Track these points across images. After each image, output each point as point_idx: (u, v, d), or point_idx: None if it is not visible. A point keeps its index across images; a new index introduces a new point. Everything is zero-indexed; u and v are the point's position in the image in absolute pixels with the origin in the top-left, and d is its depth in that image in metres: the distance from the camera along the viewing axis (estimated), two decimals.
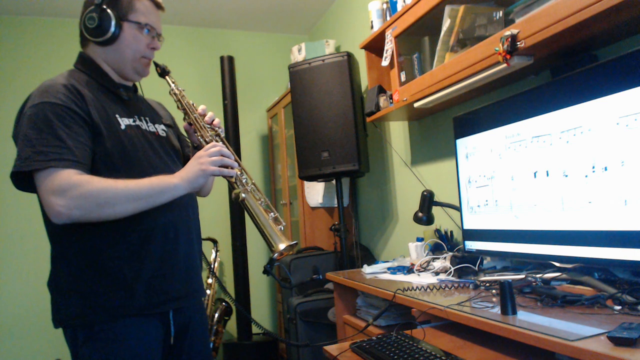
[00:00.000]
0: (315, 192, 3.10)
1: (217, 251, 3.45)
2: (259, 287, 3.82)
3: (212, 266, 3.39)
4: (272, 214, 1.31)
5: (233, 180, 1.31)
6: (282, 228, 1.29)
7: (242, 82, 3.60)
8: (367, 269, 1.98)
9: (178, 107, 1.45)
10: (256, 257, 3.82)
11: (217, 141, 1.37)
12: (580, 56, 1.40)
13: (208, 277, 3.35)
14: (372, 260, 2.83)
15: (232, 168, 1.30)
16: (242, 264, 3.26)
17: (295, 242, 1.28)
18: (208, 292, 3.29)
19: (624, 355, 0.77)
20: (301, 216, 3.21)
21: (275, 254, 1.23)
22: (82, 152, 1.18)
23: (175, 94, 1.44)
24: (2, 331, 3.16)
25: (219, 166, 1.27)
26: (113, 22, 1.28)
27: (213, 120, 1.43)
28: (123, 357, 1.21)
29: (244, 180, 1.33)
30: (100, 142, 1.22)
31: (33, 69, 3.38)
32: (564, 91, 1.29)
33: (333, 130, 2.49)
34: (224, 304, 3.37)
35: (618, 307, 1.04)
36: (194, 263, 1.39)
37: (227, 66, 3.31)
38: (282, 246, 1.22)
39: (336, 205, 2.73)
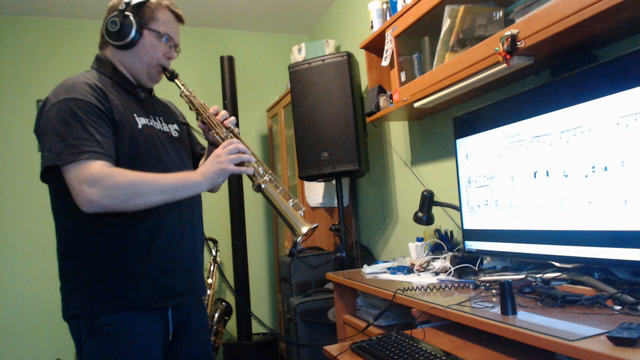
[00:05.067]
0: (315, 192, 3.10)
1: (217, 251, 3.45)
2: (259, 287, 3.82)
3: (213, 266, 3.39)
4: (291, 200, 1.36)
5: (252, 174, 1.35)
6: (302, 213, 1.35)
7: (242, 82, 3.61)
8: (367, 269, 1.98)
9: (190, 108, 1.48)
10: (256, 257, 3.82)
11: (231, 137, 1.42)
12: (580, 56, 1.40)
13: (208, 277, 3.35)
14: (372, 260, 2.83)
15: (249, 162, 1.35)
16: (242, 264, 3.26)
17: (315, 224, 1.34)
18: (208, 292, 3.29)
19: (624, 355, 0.77)
20: None
21: (299, 238, 1.29)
22: (109, 145, 1.23)
23: (186, 95, 1.48)
24: (2, 331, 3.16)
25: (238, 163, 1.33)
26: (134, 28, 1.34)
27: (226, 119, 1.47)
28: (126, 351, 1.24)
29: (261, 171, 1.37)
30: (118, 140, 1.27)
31: (33, 69, 3.38)
32: (564, 91, 1.29)
33: (333, 130, 2.49)
34: (224, 304, 3.37)
35: (618, 307, 1.04)
36: (197, 261, 1.44)
37: (227, 66, 3.31)
38: (304, 229, 1.29)
39: (336, 205, 2.73)
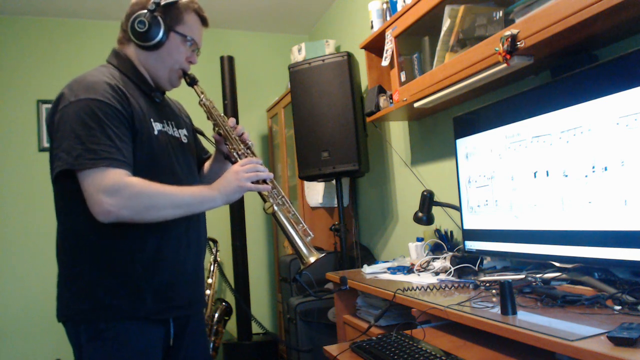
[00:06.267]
0: (315, 192, 3.10)
1: (217, 251, 3.45)
2: (259, 287, 3.82)
3: (213, 266, 3.39)
4: (301, 225, 1.35)
5: (266, 194, 1.34)
6: (310, 239, 1.35)
7: (242, 82, 3.60)
8: (367, 269, 1.98)
9: (208, 118, 1.46)
10: (256, 257, 3.82)
11: (249, 155, 1.40)
12: (580, 56, 1.40)
13: (208, 277, 3.35)
14: (372, 260, 2.83)
15: (266, 182, 1.34)
16: (242, 264, 3.27)
17: (323, 254, 1.34)
18: (208, 292, 3.29)
19: (624, 355, 0.77)
20: (301, 216, 3.18)
21: (306, 266, 1.29)
22: (128, 153, 1.20)
23: (205, 105, 1.45)
24: (2, 331, 3.16)
25: (255, 181, 1.31)
26: (162, 30, 1.30)
27: (243, 134, 1.45)
28: (127, 357, 1.22)
29: (274, 194, 1.36)
30: (135, 147, 1.24)
31: (33, 69, 3.38)
32: (564, 91, 1.29)
33: (333, 130, 2.49)
34: (224, 304, 3.37)
35: (618, 307, 1.04)
36: (199, 272, 1.42)
37: (227, 66, 3.31)
38: (312, 259, 1.29)
39: (336, 205, 2.74)
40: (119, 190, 1.13)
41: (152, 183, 1.19)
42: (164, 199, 1.20)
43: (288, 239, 1.33)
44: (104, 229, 1.20)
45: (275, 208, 1.32)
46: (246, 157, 1.39)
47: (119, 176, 1.14)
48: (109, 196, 1.12)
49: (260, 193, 1.34)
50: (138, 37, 1.30)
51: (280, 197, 1.37)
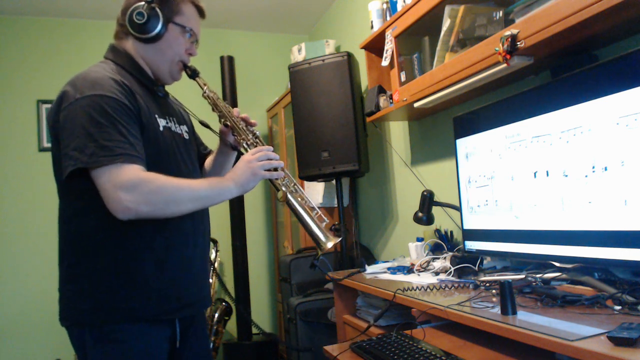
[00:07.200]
0: (315, 192, 3.10)
1: (217, 251, 3.45)
2: (259, 287, 3.82)
3: (213, 266, 3.39)
4: (315, 212, 1.34)
5: (278, 182, 1.32)
6: (325, 225, 1.33)
7: (242, 82, 3.60)
8: (367, 269, 1.98)
9: (213, 109, 1.44)
10: (256, 257, 3.82)
11: (258, 144, 1.39)
12: (580, 56, 1.40)
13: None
14: (372, 260, 2.83)
15: (277, 170, 1.32)
16: (242, 264, 3.27)
17: (340, 238, 1.33)
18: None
19: (624, 355, 0.77)
20: None
21: (324, 252, 1.29)
22: (140, 148, 1.18)
23: (209, 96, 1.43)
24: (2, 331, 3.17)
25: (268, 169, 1.30)
26: (161, 22, 1.29)
27: (249, 123, 1.44)
28: (134, 359, 1.21)
29: (286, 181, 1.35)
30: (143, 142, 1.22)
31: (33, 69, 3.38)
32: (564, 91, 1.29)
33: (333, 130, 2.49)
34: (224, 304, 3.37)
35: (618, 307, 1.04)
36: (205, 270, 1.41)
37: (227, 66, 3.32)
38: (329, 244, 1.28)
39: (336, 205, 2.73)
40: (137, 186, 1.12)
41: (168, 177, 1.18)
42: (182, 192, 1.19)
43: (304, 225, 1.31)
44: (112, 229, 1.19)
45: (289, 196, 1.31)
46: (255, 146, 1.37)
47: (135, 172, 1.13)
48: (127, 192, 1.11)
49: (272, 181, 1.32)
50: (137, 29, 1.28)
51: (292, 184, 1.35)
